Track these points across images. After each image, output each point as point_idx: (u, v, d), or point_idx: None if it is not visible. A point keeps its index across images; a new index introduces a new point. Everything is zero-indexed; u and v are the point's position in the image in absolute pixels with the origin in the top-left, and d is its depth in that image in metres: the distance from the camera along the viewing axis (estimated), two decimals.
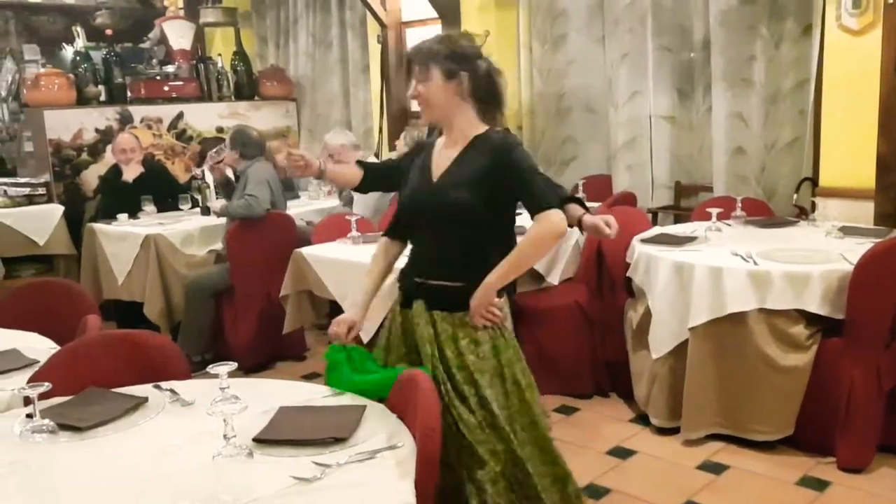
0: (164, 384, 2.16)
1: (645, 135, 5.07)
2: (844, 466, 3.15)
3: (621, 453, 3.38)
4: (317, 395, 2.04)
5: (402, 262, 2.51)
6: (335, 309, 3.90)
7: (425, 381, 1.77)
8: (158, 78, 6.29)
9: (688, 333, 3.33)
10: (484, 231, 2.25)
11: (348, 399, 2.00)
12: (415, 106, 2.69)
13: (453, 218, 2.24)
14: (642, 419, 3.64)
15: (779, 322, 3.21)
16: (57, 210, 5.56)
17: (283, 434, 1.78)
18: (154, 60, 6.34)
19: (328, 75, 6.82)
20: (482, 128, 2.29)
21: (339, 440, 1.74)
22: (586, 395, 3.97)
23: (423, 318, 2.27)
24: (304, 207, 5.54)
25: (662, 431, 3.50)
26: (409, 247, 2.47)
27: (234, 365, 1.82)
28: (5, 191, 5.54)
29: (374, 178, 2.59)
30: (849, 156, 3.99)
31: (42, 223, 5.49)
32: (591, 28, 5.26)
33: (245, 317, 4.54)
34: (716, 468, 3.23)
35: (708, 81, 4.73)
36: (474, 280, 2.22)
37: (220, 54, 6.97)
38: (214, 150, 5.04)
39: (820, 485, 3.06)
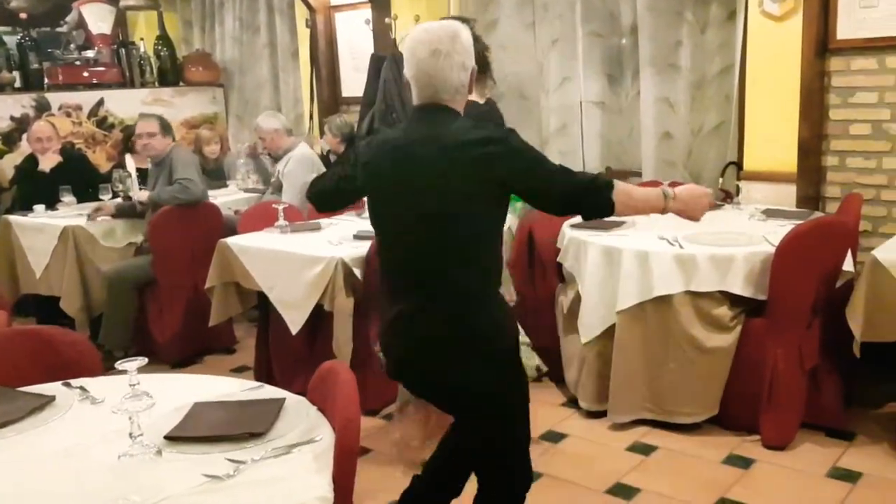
0: (74, 382, 2.06)
1: (576, 120, 5.08)
2: (768, 444, 3.22)
3: (553, 437, 3.39)
4: (235, 389, 1.98)
5: None
6: (263, 300, 3.82)
7: (345, 372, 1.72)
8: (77, 63, 6.05)
9: (616, 317, 3.35)
10: None
11: (267, 392, 1.94)
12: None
13: None
14: (573, 403, 3.67)
15: (704, 304, 3.26)
16: None
17: (195, 431, 1.71)
18: (72, 45, 6.09)
19: (256, 60, 6.67)
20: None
21: (254, 435, 1.68)
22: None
23: None
24: (233, 196, 5.41)
25: (592, 415, 3.52)
26: None
27: (143, 360, 1.74)
28: None
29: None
30: (772, 140, 4.07)
31: None
32: (521, 13, 5.24)
33: (170, 310, 4.41)
34: (644, 449, 3.27)
35: (636, 67, 4.76)
36: None
37: (142, 39, 6.75)
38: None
39: (745, 462, 3.12)
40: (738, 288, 3.23)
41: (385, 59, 5.19)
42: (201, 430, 1.71)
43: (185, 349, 4.49)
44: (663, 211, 2.15)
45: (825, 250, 3.24)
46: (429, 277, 1.99)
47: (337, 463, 1.56)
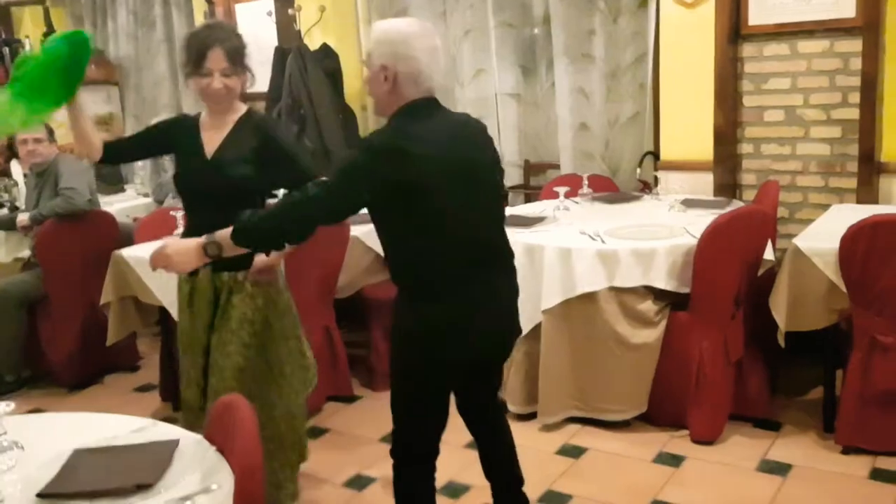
0: None
1: (492, 113, 4.95)
2: (697, 439, 3.17)
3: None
4: (123, 431, 1.75)
5: None
6: (165, 314, 3.56)
7: (244, 409, 1.53)
8: None
9: (541, 316, 3.24)
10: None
11: (159, 432, 1.72)
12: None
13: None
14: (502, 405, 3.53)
15: (628, 299, 3.18)
16: None
17: (74, 485, 1.49)
18: None
19: (153, 56, 6.28)
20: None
21: (142, 487, 1.47)
22: None
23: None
24: (130, 202, 5.08)
25: (521, 418, 3.40)
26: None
27: (10, 405, 1.51)
28: None
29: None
30: (687, 129, 4.02)
31: None
32: (432, 3, 5.07)
33: (64, 329, 4.08)
34: (574, 451, 3.17)
35: (551, 57, 4.65)
36: None
37: (27, 36, 6.28)
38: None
39: (675, 460, 3.06)
40: (662, 282, 3.16)
41: (290, 53, 4.94)
42: (80, 483, 1.49)
43: (83, 370, 4.17)
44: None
45: (746, 240, 3.20)
46: (500, 248, 2.26)
47: None
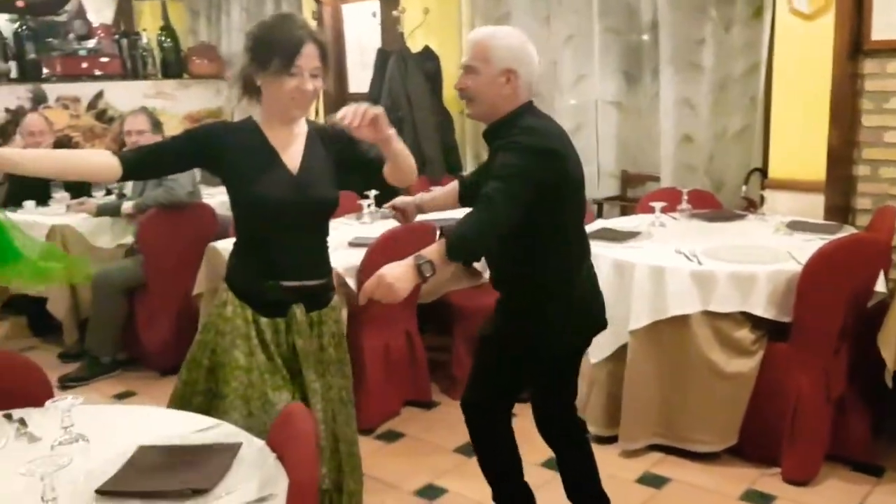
0: (16, 412, 1.85)
1: (591, 121, 4.83)
2: (790, 478, 2.97)
3: (555, 465, 3.14)
4: (188, 429, 1.75)
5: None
6: None
7: (304, 421, 1.49)
8: (77, 54, 5.85)
9: (628, 337, 3.11)
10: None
11: (223, 433, 1.71)
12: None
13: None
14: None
15: (723, 326, 3.01)
16: None
17: (132, 485, 1.49)
18: (72, 35, 5.89)
19: None
20: None
21: (197, 492, 1.46)
22: (524, 399, 3.72)
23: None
24: None
25: (600, 440, 3.27)
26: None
27: (77, 399, 1.53)
28: None
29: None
30: (799, 146, 3.79)
31: None
32: (535, 7, 4.99)
33: (160, 315, 4.21)
34: (656, 481, 3.02)
35: (656, 65, 4.50)
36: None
37: (145, 29, 6.55)
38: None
39: (764, 499, 2.88)
40: (761, 309, 2.98)
41: (392, 54, 4.96)
42: (139, 483, 1.50)
43: (175, 356, 4.18)
44: None
45: (856, 270, 2.98)
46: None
47: None
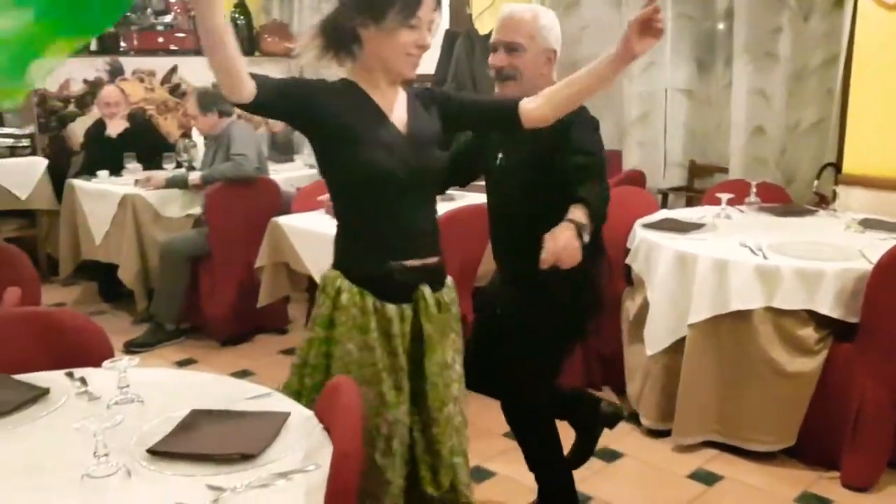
0: (77, 371, 1.91)
1: (659, 109, 4.74)
2: (849, 483, 2.88)
3: (607, 455, 3.12)
4: (240, 395, 1.78)
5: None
6: (313, 282, 3.66)
7: (349, 394, 1.50)
8: (154, 29, 6.00)
9: (686, 330, 3.05)
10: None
11: (274, 402, 1.74)
12: (420, 67, 1.97)
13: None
14: (633, 418, 3.37)
15: (786, 323, 2.92)
16: (40, 164, 5.30)
17: (183, 446, 1.52)
18: (149, 10, 6.04)
19: None
20: None
21: (245, 457, 1.49)
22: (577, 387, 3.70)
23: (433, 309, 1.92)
24: (297, 172, 5.26)
25: (653, 433, 3.24)
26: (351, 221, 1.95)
27: (133, 360, 1.57)
28: None
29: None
30: (877, 141, 3.65)
31: (25, 177, 5.23)
32: None
33: (223, 286, 4.30)
34: (708, 478, 2.97)
35: (730, 54, 4.38)
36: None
37: None
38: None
39: (821, 503, 2.79)
40: (827, 308, 2.88)
41: (459, 36, 4.94)
42: (189, 445, 1.53)
43: (236, 326, 4.38)
44: None
45: None
46: None
47: (329, 502, 1.35)
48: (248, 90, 1.69)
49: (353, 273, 1.89)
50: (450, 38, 5.08)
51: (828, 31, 3.97)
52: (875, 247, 2.99)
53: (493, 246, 2.56)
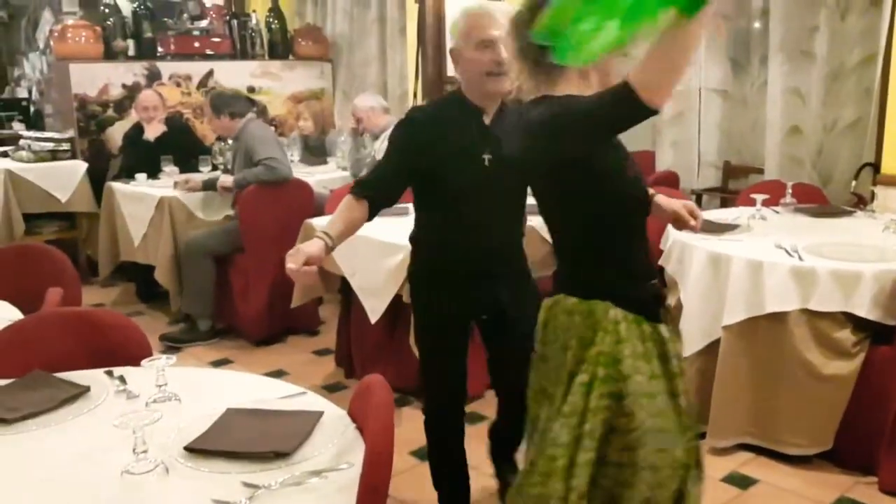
0: (116, 370, 1.96)
1: (693, 108, 4.70)
2: (887, 489, 2.83)
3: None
4: (273, 394, 1.81)
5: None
6: (346, 284, 3.69)
7: (381, 392, 1.52)
8: (190, 34, 6.09)
9: (721, 332, 3.02)
10: None
11: (307, 402, 1.77)
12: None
13: None
14: None
15: (823, 325, 2.89)
16: (80, 167, 5.42)
17: (218, 444, 1.55)
18: (185, 15, 6.13)
19: (365, 35, 6.52)
20: None
21: (280, 455, 1.51)
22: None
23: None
24: (329, 174, 5.31)
25: None
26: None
27: (171, 359, 1.60)
28: (29, 145, 5.43)
29: None
30: None
31: (65, 180, 5.36)
32: None
33: (256, 286, 4.35)
34: (743, 482, 2.94)
35: (765, 53, 4.33)
36: None
37: (254, 10, 6.74)
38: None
39: None
40: (864, 310, 2.84)
41: None
42: (225, 443, 1.56)
43: (269, 327, 4.43)
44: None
45: None
46: None
47: (362, 499, 1.36)
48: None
49: (627, 300, 1.78)
50: None
51: (865, 30, 3.91)
52: None
53: (491, 253, 2.40)
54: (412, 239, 2.51)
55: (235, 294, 4.40)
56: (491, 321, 2.48)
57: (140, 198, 4.73)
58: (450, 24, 2.35)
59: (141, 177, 4.93)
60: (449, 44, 2.35)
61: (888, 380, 2.84)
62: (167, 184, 4.81)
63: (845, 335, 2.88)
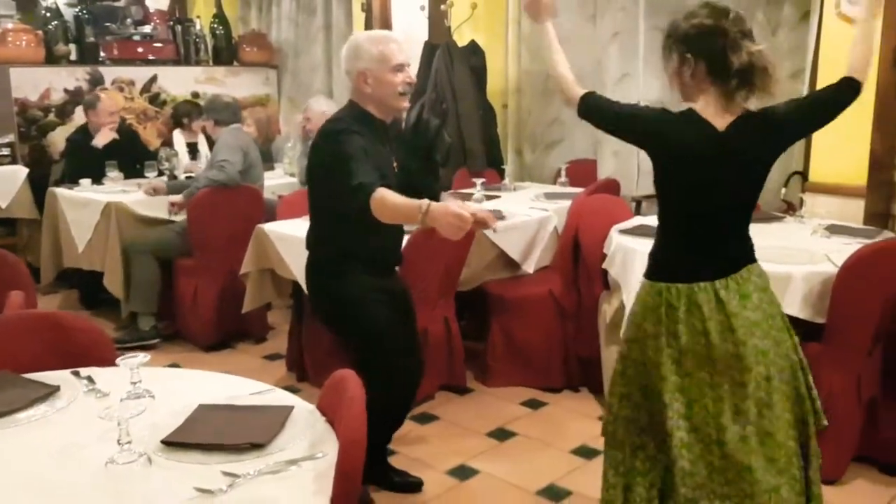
0: (83, 371, 1.98)
1: None
2: (823, 478, 2.99)
3: (586, 453, 3.23)
4: (244, 391, 1.87)
5: None
6: (298, 289, 3.73)
7: (354, 387, 1.60)
8: (133, 39, 6.04)
9: None
10: None
11: (277, 398, 1.83)
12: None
13: None
14: None
15: None
16: (21, 172, 5.33)
17: (195, 437, 1.61)
18: (129, 20, 6.08)
19: (311, 42, 6.58)
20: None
21: (255, 446, 1.57)
22: (556, 388, 3.82)
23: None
24: (277, 180, 5.34)
25: None
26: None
27: (146, 357, 1.65)
28: None
29: None
30: (841, 151, 3.81)
31: (5, 185, 5.27)
32: (583, 4, 5.04)
33: (205, 292, 4.36)
34: None
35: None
36: None
37: (198, 16, 6.72)
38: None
39: None
40: (795, 309, 3.01)
41: (438, 48, 5.05)
42: (201, 436, 1.61)
43: (217, 332, 4.44)
44: (420, 222, 2.19)
45: (893, 273, 3.00)
46: None
47: (337, 485, 1.44)
48: None
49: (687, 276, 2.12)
50: (429, 50, 5.18)
51: (795, 45, 4.14)
52: (840, 251, 3.13)
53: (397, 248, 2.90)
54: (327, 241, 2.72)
55: (184, 299, 4.40)
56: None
57: (85, 203, 4.68)
58: (352, 48, 2.61)
59: (85, 182, 4.88)
60: (351, 66, 2.60)
61: (818, 375, 2.99)
62: (112, 189, 4.77)
63: None
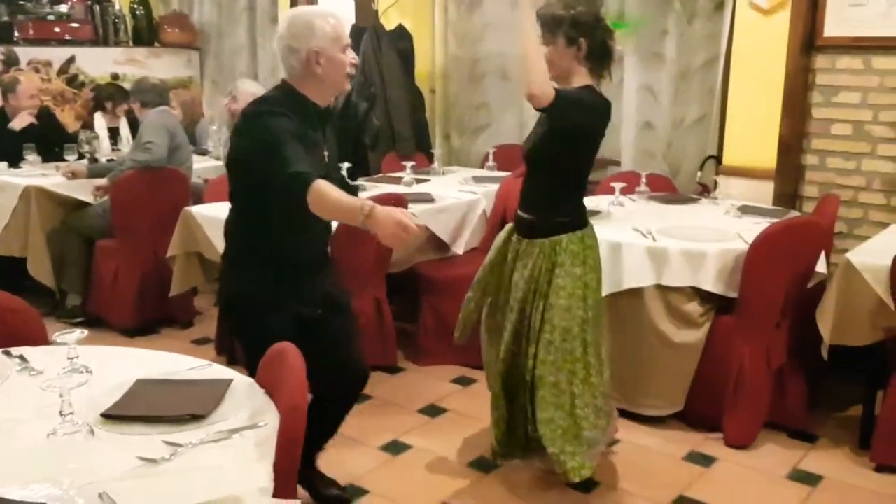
0: (14, 350, 1.97)
1: None
2: (731, 443, 3.19)
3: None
4: (181, 367, 1.89)
5: None
6: None
7: (294, 357, 1.64)
8: (49, 18, 5.85)
9: None
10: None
11: (215, 372, 1.86)
12: None
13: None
14: None
15: (674, 299, 3.22)
16: None
17: (134, 410, 1.63)
18: None
19: (234, 24, 6.48)
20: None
21: (196, 417, 1.60)
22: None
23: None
24: (202, 163, 5.27)
25: None
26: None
27: (83, 333, 1.66)
28: None
29: None
30: (752, 136, 4.02)
31: None
32: None
33: (128, 275, 4.29)
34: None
35: (621, 54, 4.66)
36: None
37: None
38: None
39: (706, 460, 3.09)
40: (710, 284, 3.19)
41: (365, 32, 5.07)
42: (140, 409, 1.63)
43: (141, 317, 4.37)
44: (361, 224, 2.01)
45: (798, 250, 3.20)
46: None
47: (280, 451, 1.48)
48: None
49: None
50: (357, 33, 5.19)
51: (709, 34, 4.32)
52: (750, 230, 3.31)
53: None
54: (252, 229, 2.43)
55: (104, 281, 4.32)
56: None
57: (1, 187, 4.54)
58: (304, 25, 2.33)
59: (2, 165, 4.72)
60: (301, 43, 2.30)
61: (730, 346, 3.20)
62: (31, 172, 4.64)
63: (693, 307, 3.22)
